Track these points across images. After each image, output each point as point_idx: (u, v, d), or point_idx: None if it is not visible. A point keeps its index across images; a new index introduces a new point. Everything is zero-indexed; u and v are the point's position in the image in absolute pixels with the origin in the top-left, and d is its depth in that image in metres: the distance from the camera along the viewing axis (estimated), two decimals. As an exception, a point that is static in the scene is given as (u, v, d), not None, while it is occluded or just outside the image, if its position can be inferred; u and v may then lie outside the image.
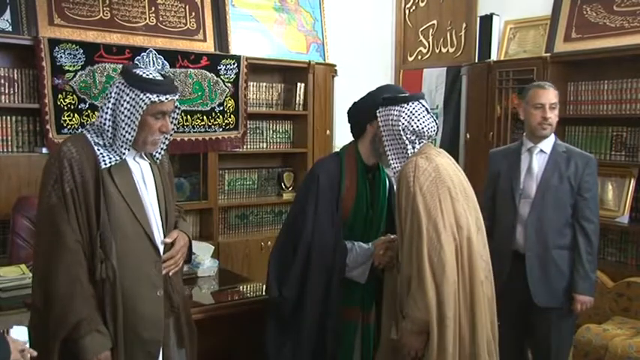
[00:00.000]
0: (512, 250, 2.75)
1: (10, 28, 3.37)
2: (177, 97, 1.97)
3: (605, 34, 3.84)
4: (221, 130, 4.06)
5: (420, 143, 2.15)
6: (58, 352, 1.84)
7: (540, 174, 2.72)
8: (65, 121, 3.44)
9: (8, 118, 3.42)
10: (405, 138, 2.13)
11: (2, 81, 3.39)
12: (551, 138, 2.76)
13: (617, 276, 3.50)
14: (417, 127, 2.12)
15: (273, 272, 2.33)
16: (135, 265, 1.93)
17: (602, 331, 3.14)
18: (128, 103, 1.87)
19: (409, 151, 2.13)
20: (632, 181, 3.69)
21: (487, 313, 2.04)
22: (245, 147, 4.26)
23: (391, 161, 2.17)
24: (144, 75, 1.90)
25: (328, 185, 2.30)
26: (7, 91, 3.40)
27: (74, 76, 3.45)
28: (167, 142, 2.08)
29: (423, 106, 2.18)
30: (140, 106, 1.87)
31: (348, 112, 2.46)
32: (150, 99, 1.87)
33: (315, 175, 2.35)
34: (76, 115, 3.48)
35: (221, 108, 4.04)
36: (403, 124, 2.12)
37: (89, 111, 3.52)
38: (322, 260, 2.27)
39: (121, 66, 3.57)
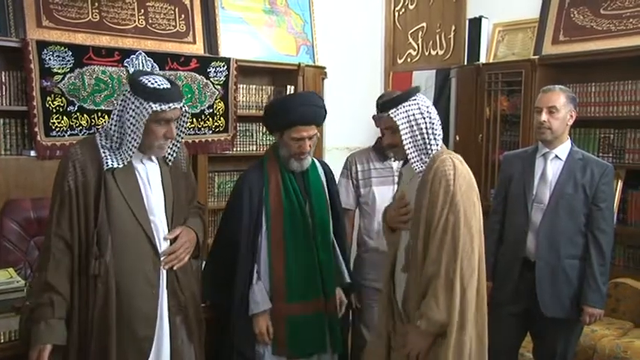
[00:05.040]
0: (522, 257, 2.69)
1: (-3, 30, 3.35)
2: (181, 104, 2.05)
3: (592, 37, 3.87)
4: (211, 132, 4.06)
5: (438, 139, 2.10)
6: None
7: (554, 181, 2.66)
8: (54, 123, 3.42)
9: (-4, 120, 3.39)
10: (426, 132, 2.07)
11: (-10, 83, 3.36)
12: (567, 144, 2.71)
13: (604, 277, 3.53)
14: (434, 117, 2.10)
15: (205, 278, 2.54)
16: (132, 263, 2.01)
17: (590, 332, 3.16)
18: (133, 111, 1.97)
19: (432, 148, 2.08)
20: (620, 182, 3.72)
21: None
22: (235, 149, 4.25)
23: (413, 160, 2.09)
24: (149, 84, 1.97)
25: (249, 195, 2.45)
26: (-6, 94, 3.38)
27: (63, 78, 3.43)
28: (178, 145, 2.18)
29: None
30: (143, 115, 1.96)
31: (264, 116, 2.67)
32: (152, 108, 1.96)
33: (237, 188, 2.54)
34: (64, 117, 3.46)
35: (211, 110, 4.03)
36: (423, 116, 2.07)
37: (78, 113, 3.50)
38: (236, 258, 2.45)
39: (110, 68, 3.58)
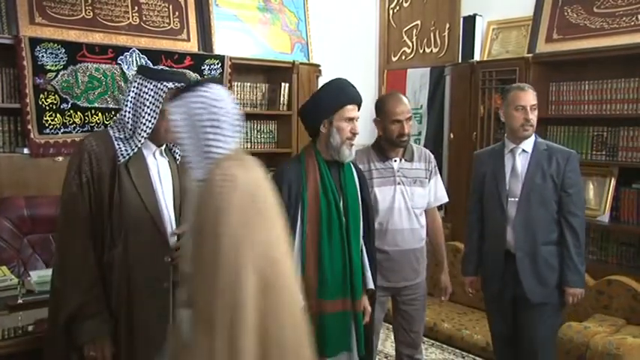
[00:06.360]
0: (504, 250, 2.78)
1: (-10, 27, 3.33)
2: None
3: (585, 35, 3.88)
4: (205, 130, 4.05)
5: (229, 142, 1.70)
6: (63, 335, 1.95)
7: (524, 173, 2.75)
8: (47, 121, 3.41)
9: (-11, 118, 3.38)
10: (210, 132, 1.68)
11: (-18, 81, 3.34)
12: (532, 137, 2.79)
13: (597, 274, 3.55)
14: (226, 115, 1.70)
15: None
16: (143, 255, 2.03)
17: (583, 329, 3.18)
18: (148, 94, 2.04)
19: (215, 151, 1.68)
20: (613, 180, 3.74)
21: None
22: (229, 147, 4.25)
23: (191, 164, 1.71)
24: (159, 68, 2.11)
25: (287, 191, 2.42)
26: (-13, 91, 3.36)
27: (56, 75, 3.41)
28: None
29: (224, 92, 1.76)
30: (160, 95, 2.04)
31: (300, 116, 2.61)
32: (167, 86, 2.05)
33: (277, 184, 2.42)
34: (58, 115, 3.45)
35: (205, 108, 4.03)
36: (209, 111, 1.68)
37: (71, 111, 3.49)
38: None
39: (104, 66, 3.57)
